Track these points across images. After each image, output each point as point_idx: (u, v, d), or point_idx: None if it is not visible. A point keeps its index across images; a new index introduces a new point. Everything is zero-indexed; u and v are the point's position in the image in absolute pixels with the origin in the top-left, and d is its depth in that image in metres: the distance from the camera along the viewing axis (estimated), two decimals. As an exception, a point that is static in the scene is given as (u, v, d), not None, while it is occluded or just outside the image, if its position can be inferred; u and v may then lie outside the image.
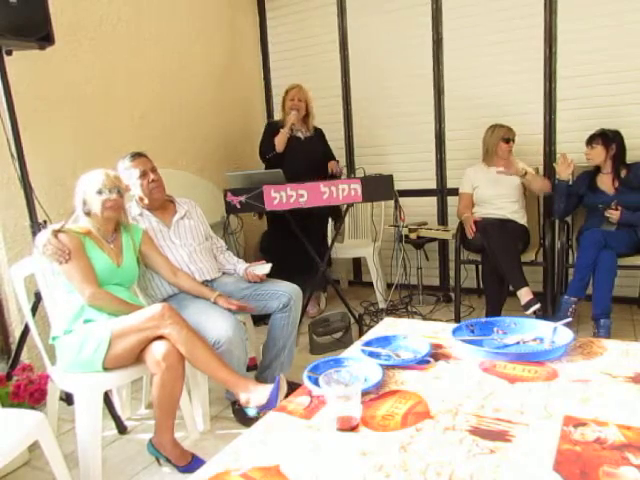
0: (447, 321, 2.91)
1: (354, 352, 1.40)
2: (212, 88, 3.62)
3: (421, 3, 3.44)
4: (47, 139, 2.49)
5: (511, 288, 2.75)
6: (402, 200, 2.94)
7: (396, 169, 3.26)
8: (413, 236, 3.31)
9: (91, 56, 2.74)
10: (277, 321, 2.20)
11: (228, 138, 3.76)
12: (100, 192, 1.82)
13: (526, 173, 2.88)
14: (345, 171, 3.63)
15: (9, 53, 2.01)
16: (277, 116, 3.66)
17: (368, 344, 1.42)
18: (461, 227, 3.00)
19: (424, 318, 3.14)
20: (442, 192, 3.62)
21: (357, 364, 1.28)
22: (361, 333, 2.88)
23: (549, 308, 2.82)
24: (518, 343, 1.37)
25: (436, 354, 1.35)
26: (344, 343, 2.69)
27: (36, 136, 2.34)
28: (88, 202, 1.84)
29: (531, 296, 2.64)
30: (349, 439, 1.00)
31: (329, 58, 3.84)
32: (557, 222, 2.97)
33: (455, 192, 3.29)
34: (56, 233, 1.76)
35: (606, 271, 2.53)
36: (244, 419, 2.00)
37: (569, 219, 3.01)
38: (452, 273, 3.38)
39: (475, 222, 2.89)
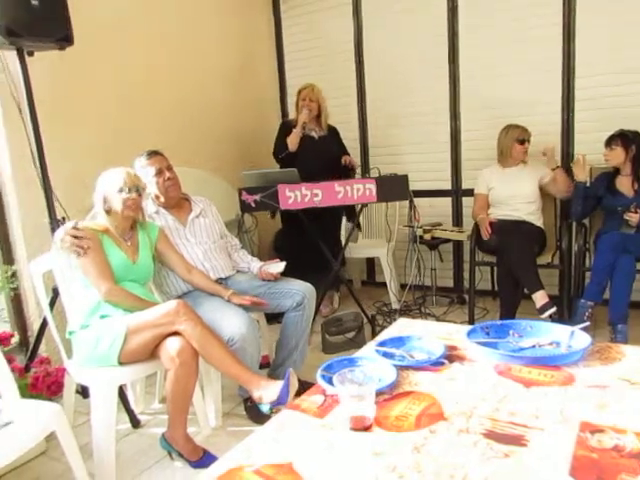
0: (461, 323, 2.89)
1: (368, 352, 1.40)
2: (228, 89, 3.64)
3: (437, 2, 3.41)
4: (66, 138, 2.53)
5: (526, 291, 2.72)
6: (417, 200, 2.93)
7: (411, 169, 3.23)
8: (427, 237, 3.28)
9: (110, 57, 2.77)
10: (290, 319, 2.21)
11: (243, 138, 3.78)
12: (121, 190, 1.85)
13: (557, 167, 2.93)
14: (359, 170, 3.61)
15: (31, 54, 2.04)
16: (292, 116, 3.67)
17: (382, 344, 1.42)
18: (476, 228, 2.98)
19: (437, 319, 3.12)
20: (457, 193, 3.59)
21: (371, 364, 1.28)
22: (374, 333, 2.87)
23: (565, 312, 2.79)
24: (534, 347, 1.35)
25: (451, 356, 1.34)
26: (356, 343, 2.69)
27: (56, 135, 2.38)
28: (109, 200, 1.87)
29: (546, 299, 2.61)
30: (362, 439, 1.00)
31: (344, 58, 3.83)
32: (574, 224, 2.93)
33: (470, 193, 3.26)
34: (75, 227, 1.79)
35: (624, 275, 2.49)
36: (256, 416, 2.01)
37: (587, 221, 2.97)
38: (466, 275, 3.36)
39: (490, 223, 2.87)
